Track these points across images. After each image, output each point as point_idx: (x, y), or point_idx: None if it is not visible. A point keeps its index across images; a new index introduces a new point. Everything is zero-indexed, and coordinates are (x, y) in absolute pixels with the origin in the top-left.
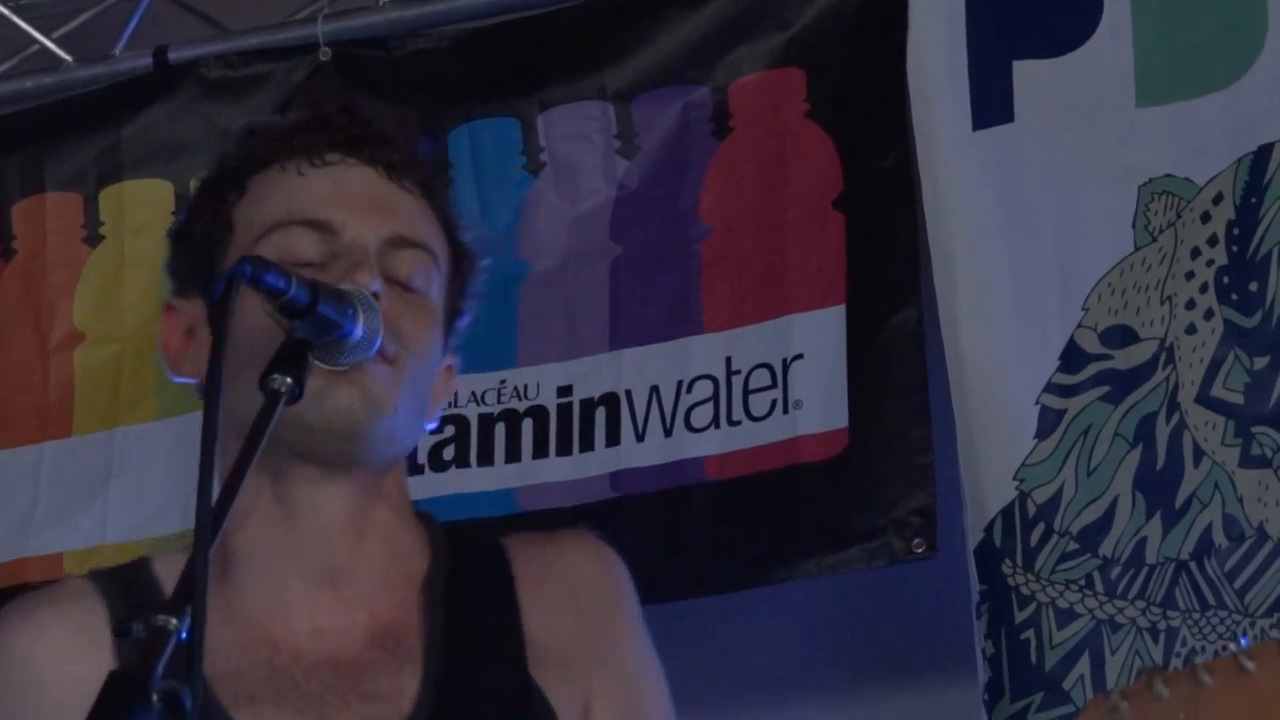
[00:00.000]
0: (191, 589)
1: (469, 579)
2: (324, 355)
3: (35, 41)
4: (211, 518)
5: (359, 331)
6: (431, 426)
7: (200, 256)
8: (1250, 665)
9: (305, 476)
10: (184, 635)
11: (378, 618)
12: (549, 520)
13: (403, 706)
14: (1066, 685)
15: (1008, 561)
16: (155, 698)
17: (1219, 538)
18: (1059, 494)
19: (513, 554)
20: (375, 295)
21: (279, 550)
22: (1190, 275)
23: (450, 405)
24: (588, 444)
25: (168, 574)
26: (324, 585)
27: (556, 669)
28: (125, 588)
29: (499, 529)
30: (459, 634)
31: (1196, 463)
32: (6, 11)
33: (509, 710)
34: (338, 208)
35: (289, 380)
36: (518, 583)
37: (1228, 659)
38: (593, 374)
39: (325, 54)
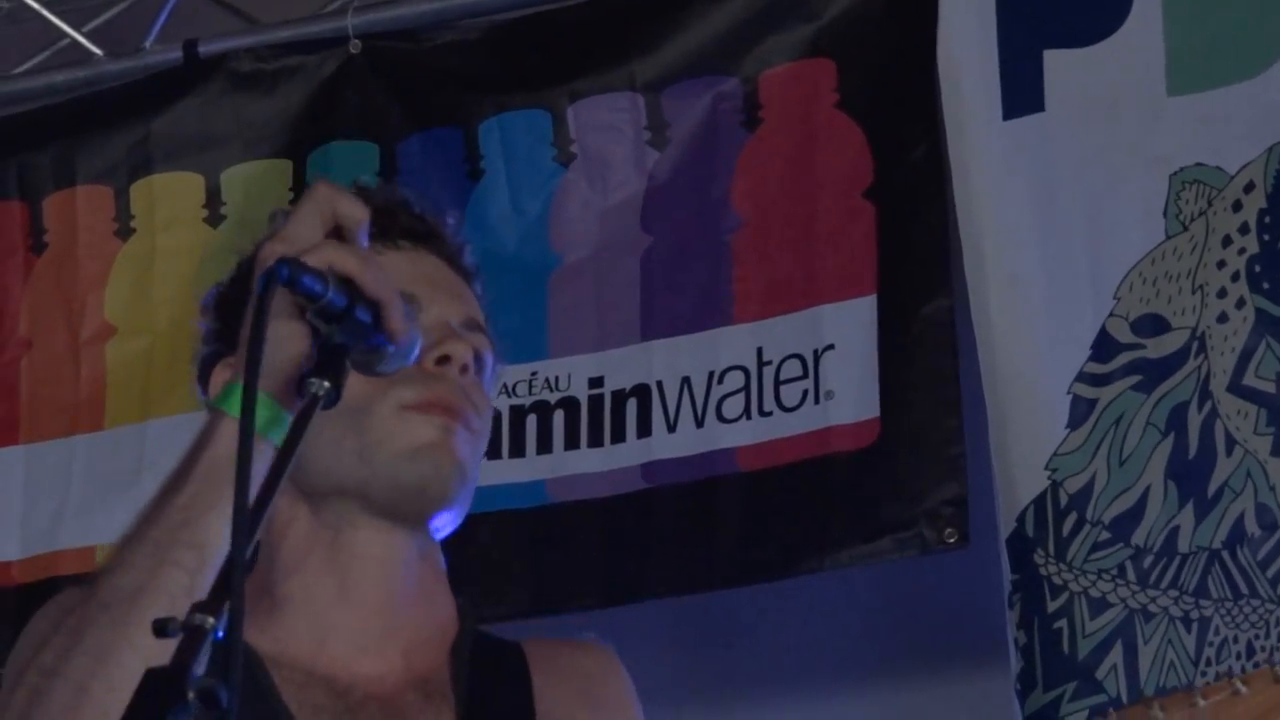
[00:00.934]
0: (228, 587)
1: (490, 656)
2: (363, 367)
3: (66, 35)
4: (249, 516)
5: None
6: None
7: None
8: (1243, 689)
9: (374, 527)
10: (220, 634)
11: (414, 670)
12: (579, 512)
13: None
14: (1099, 675)
15: (1040, 551)
16: (192, 696)
17: (1251, 527)
18: (1091, 483)
19: (528, 650)
20: (465, 368)
21: (332, 595)
22: (1221, 264)
23: None
24: (619, 435)
25: None
26: (373, 634)
27: None
28: None
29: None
30: (483, 704)
31: (1229, 452)
32: (37, 6)
33: None
34: (419, 285)
35: (326, 384)
36: (533, 671)
37: (1224, 684)
38: (624, 365)
39: (355, 46)
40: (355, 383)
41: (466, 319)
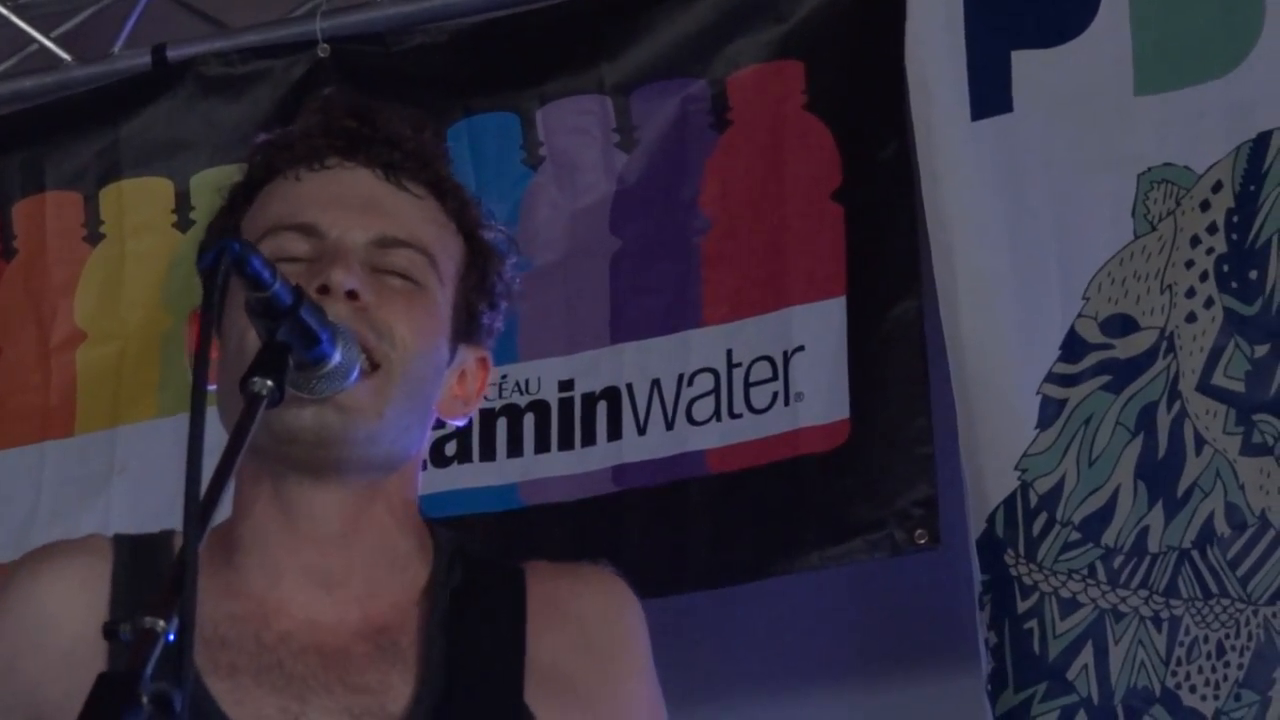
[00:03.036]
0: (179, 589)
1: (481, 596)
2: (299, 382)
3: (34, 41)
4: (199, 516)
5: (337, 357)
6: (460, 424)
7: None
8: None
9: (296, 481)
10: (172, 637)
11: (370, 619)
12: (551, 515)
13: (389, 704)
14: (1070, 675)
15: (1010, 552)
16: (145, 700)
17: (1221, 526)
18: (1061, 484)
19: (530, 580)
20: (351, 293)
21: (277, 545)
22: (1190, 264)
23: None
24: (589, 438)
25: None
26: (317, 584)
27: (554, 700)
28: (137, 555)
29: (522, 557)
30: (461, 648)
31: (1198, 451)
32: (5, 11)
33: None
34: (325, 210)
35: (269, 383)
36: (530, 608)
37: None
38: (594, 368)
39: (324, 50)
40: (242, 334)
41: (380, 236)
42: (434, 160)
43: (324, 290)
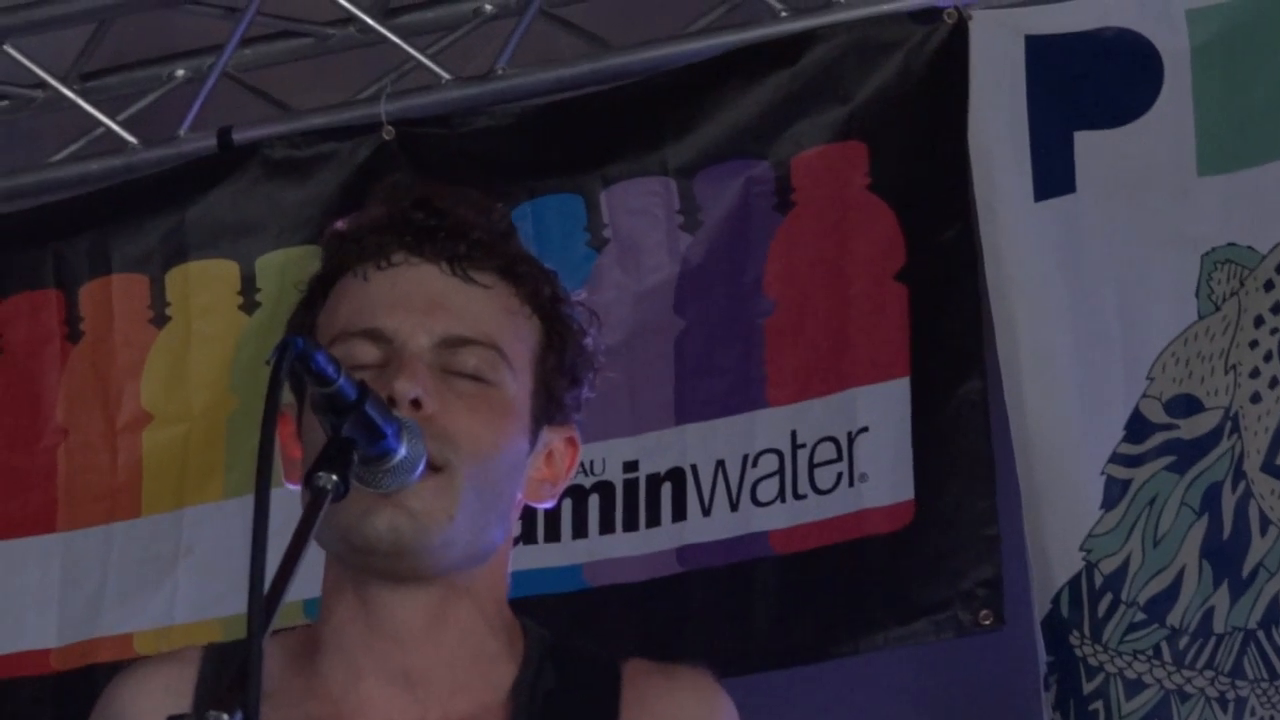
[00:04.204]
0: (244, 682)
1: (574, 695)
2: (366, 476)
3: (101, 124)
4: (264, 609)
5: (403, 451)
6: (549, 506)
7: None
8: None
9: (378, 585)
10: None
11: (452, 716)
12: (616, 596)
13: None
14: None
15: (1075, 632)
16: None
17: None
18: (1126, 564)
19: (625, 678)
20: (415, 402)
21: (358, 644)
22: (1254, 344)
23: None
24: (654, 519)
25: (271, 650)
26: (398, 684)
27: None
28: (225, 660)
29: (620, 653)
30: None
31: (1263, 531)
32: (72, 95)
33: None
34: (391, 314)
35: (334, 477)
36: (623, 712)
37: None
38: (658, 449)
39: (389, 133)
40: (321, 433)
41: (448, 335)
42: (502, 245)
43: (390, 402)
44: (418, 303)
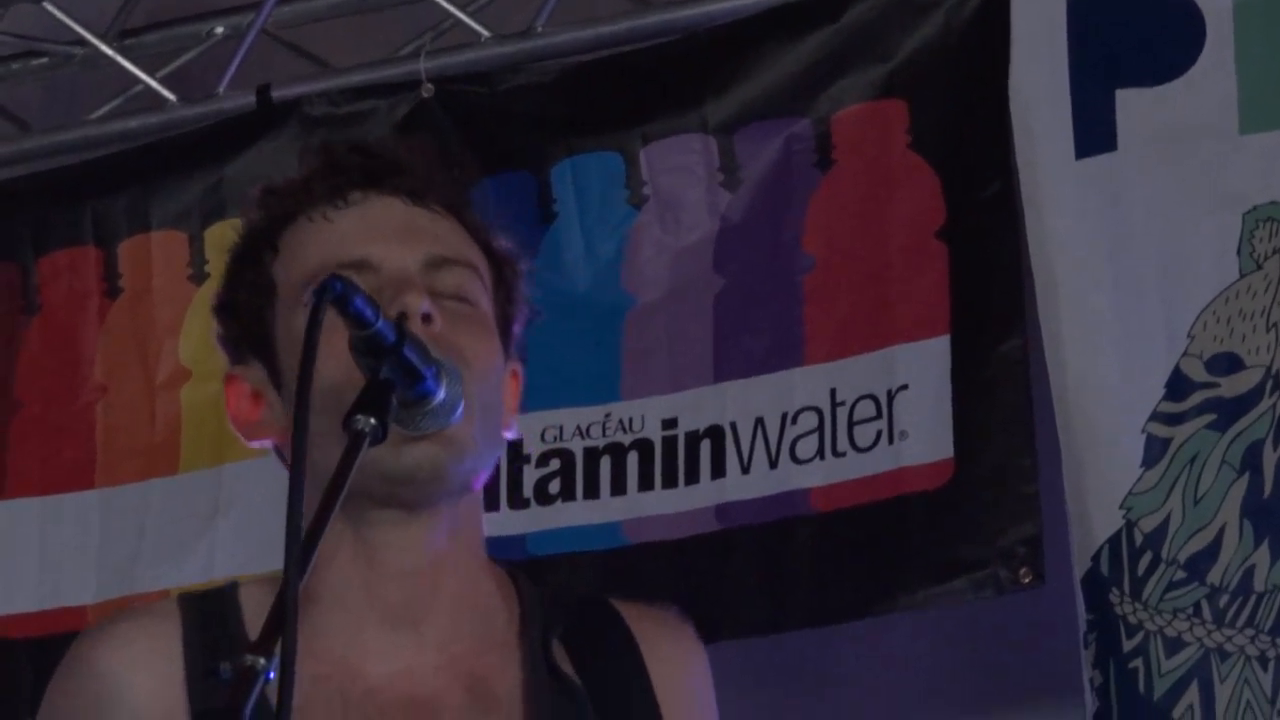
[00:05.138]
0: (280, 627)
1: (594, 638)
2: (404, 419)
3: (139, 81)
4: (300, 554)
5: (441, 394)
6: (511, 436)
7: (249, 323)
8: None
9: (389, 519)
10: (271, 675)
11: (458, 663)
12: (655, 554)
13: None
14: (1176, 714)
15: (1115, 590)
16: None
17: None
18: (1166, 522)
19: (630, 620)
20: (426, 317)
21: (358, 591)
22: None
23: (555, 439)
24: (693, 477)
25: (251, 602)
26: (404, 628)
27: None
28: (206, 613)
29: (627, 595)
30: (585, 694)
31: None
32: (111, 52)
33: None
34: (371, 243)
35: (373, 420)
36: (644, 655)
37: None
38: (697, 406)
39: (428, 90)
40: (327, 372)
41: (430, 257)
42: (446, 180)
43: (403, 318)
44: (394, 229)
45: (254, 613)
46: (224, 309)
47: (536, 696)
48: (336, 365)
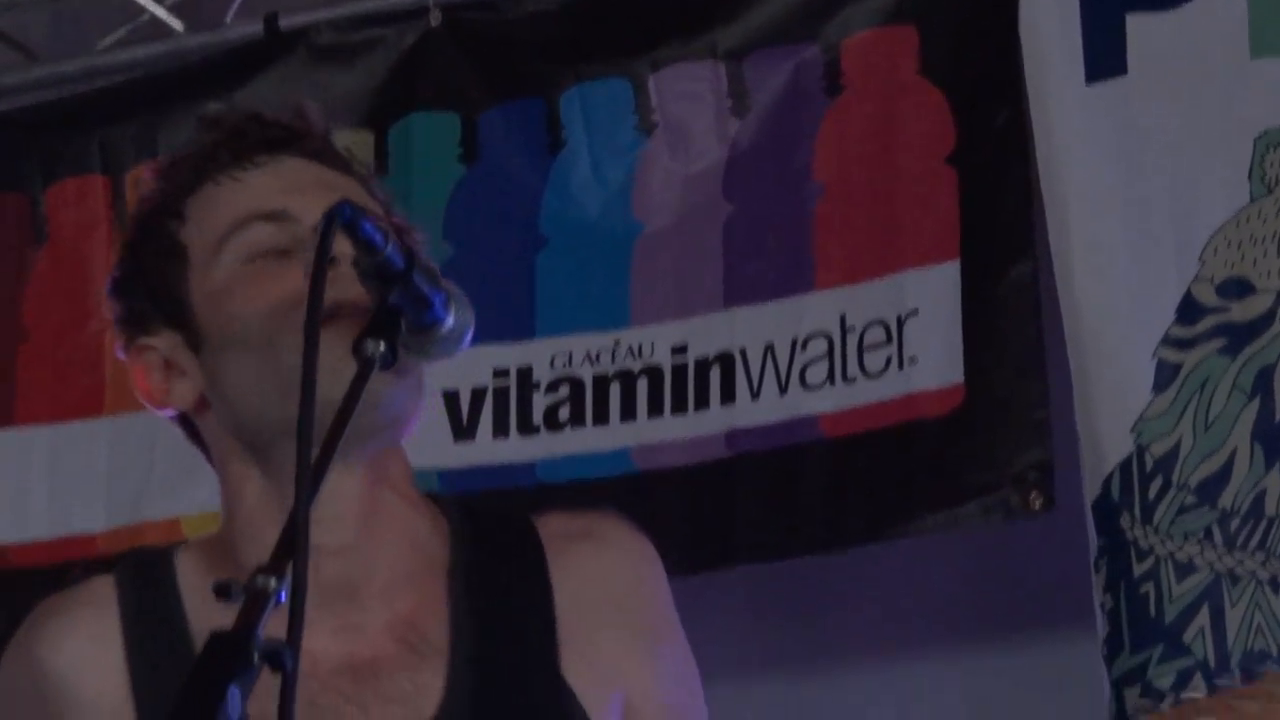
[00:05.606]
0: (292, 547)
1: (503, 568)
2: (413, 345)
3: (146, 11)
4: (311, 475)
5: (450, 320)
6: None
7: (160, 292)
8: None
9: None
10: (282, 596)
11: (397, 612)
12: (664, 480)
13: (423, 707)
14: (1187, 638)
15: (1126, 515)
16: (257, 658)
17: None
18: (1177, 447)
19: (546, 542)
20: (355, 263)
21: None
22: None
23: (565, 366)
24: (703, 402)
25: (188, 570)
26: (341, 596)
27: (590, 671)
28: (142, 591)
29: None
30: (489, 624)
31: None
32: None
33: (541, 714)
34: (288, 195)
35: (382, 346)
36: (553, 577)
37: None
38: (707, 332)
39: (436, 18)
40: (246, 323)
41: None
42: (334, 146)
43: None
44: (309, 183)
45: (190, 584)
46: (128, 283)
47: (459, 634)
48: (270, 316)
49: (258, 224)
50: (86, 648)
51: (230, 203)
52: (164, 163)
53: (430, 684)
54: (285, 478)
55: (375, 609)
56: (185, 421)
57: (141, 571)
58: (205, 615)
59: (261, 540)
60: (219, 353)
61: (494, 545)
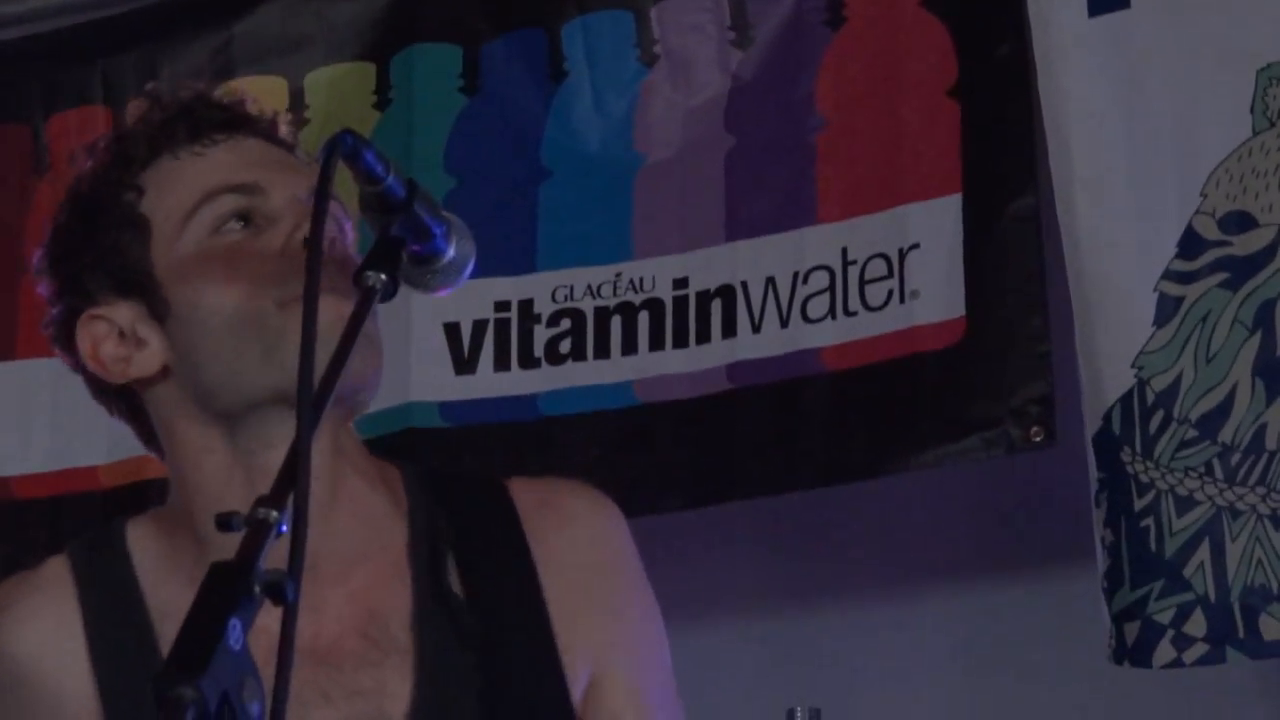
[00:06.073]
0: (293, 478)
1: (480, 533)
2: (414, 277)
3: None
4: (312, 405)
5: (451, 251)
6: None
7: (119, 262)
8: None
9: (281, 437)
10: (284, 528)
11: (356, 599)
12: (666, 413)
13: (389, 708)
14: (1187, 573)
15: (1126, 449)
16: (258, 590)
17: None
18: (1178, 381)
19: (520, 507)
20: (333, 242)
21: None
22: None
23: (566, 299)
24: (704, 336)
25: (139, 547)
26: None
27: (567, 652)
28: (95, 569)
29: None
30: (465, 613)
31: None
32: None
33: (543, 685)
34: (257, 170)
35: (384, 276)
36: (529, 535)
37: None
38: (708, 265)
39: None
40: (222, 292)
41: (312, 189)
42: (277, 119)
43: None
44: (274, 162)
45: (143, 558)
46: (73, 255)
47: (423, 629)
48: (237, 291)
49: (228, 195)
50: (47, 633)
51: (195, 174)
52: (107, 139)
53: (395, 686)
54: (257, 445)
55: (334, 591)
56: (123, 393)
57: (95, 549)
58: (160, 589)
59: (225, 509)
60: (189, 323)
61: (469, 511)
